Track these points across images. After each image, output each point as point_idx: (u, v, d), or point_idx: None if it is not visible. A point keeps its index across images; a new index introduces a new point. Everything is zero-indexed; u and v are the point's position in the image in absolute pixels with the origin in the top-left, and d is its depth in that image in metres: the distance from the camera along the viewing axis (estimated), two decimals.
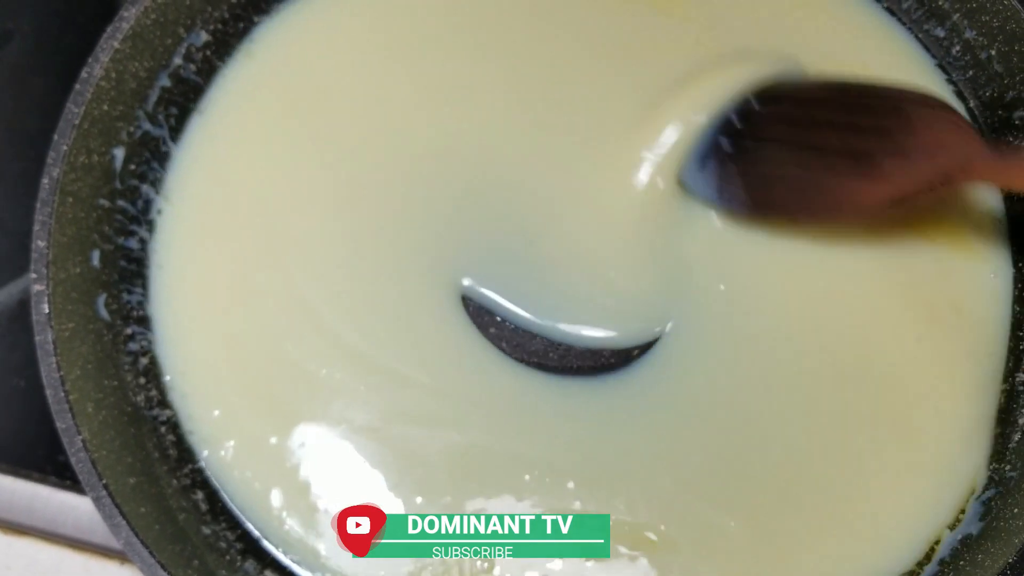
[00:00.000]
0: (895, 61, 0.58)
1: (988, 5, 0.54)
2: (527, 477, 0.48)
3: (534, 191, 0.53)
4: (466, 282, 0.52)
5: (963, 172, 0.44)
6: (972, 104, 0.57)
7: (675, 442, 0.49)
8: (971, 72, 0.57)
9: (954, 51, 0.57)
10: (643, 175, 0.52)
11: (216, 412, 0.50)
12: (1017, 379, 0.52)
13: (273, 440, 0.49)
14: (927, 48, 0.58)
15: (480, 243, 0.52)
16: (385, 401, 0.49)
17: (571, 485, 0.48)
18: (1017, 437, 0.49)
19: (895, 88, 0.49)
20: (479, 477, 0.48)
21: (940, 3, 0.57)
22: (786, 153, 0.49)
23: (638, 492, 0.48)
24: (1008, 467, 0.48)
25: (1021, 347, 0.52)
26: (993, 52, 0.55)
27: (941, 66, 0.58)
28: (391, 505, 0.48)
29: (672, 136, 0.52)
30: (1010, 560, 0.42)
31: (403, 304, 0.51)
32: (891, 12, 0.59)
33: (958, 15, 0.57)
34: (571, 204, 0.53)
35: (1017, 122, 0.54)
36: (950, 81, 0.57)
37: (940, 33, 0.58)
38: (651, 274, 0.52)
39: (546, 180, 0.53)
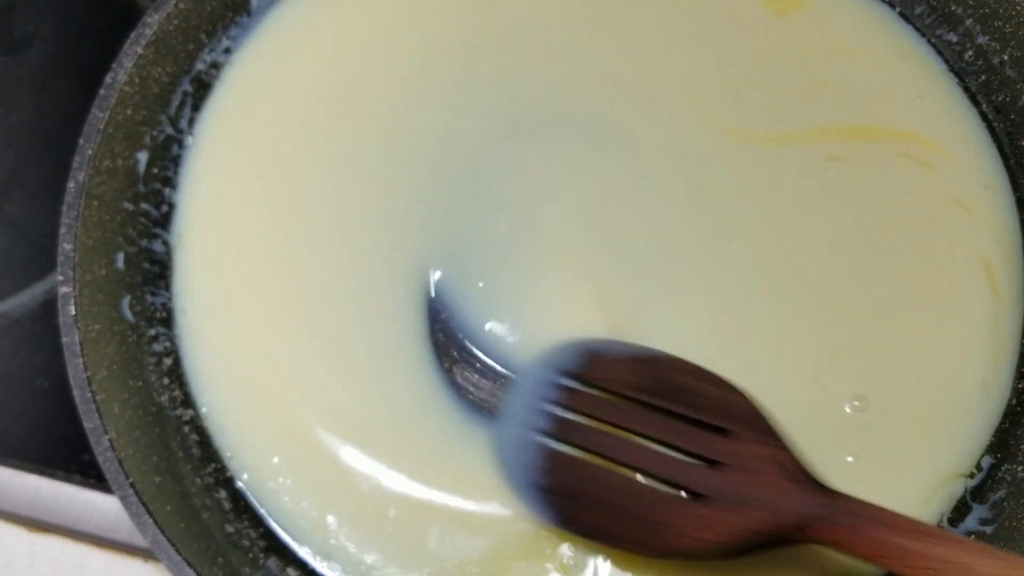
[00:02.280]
0: (907, 65, 0.58)
1: (1001, 10, 0.55)
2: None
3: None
4: (436, 274, 0.52)
5: (800, 532, 0.39)
6: (985, 108, 0.57)
7: None
8: (984, 77, 0.57)
9: (967, 56, 0.58)
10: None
11: (276, 459, 0.50)
12: None
13: (309, 462, 0.50)
14: (940, 52, 0.59)
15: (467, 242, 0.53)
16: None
17: None
18: None
19: (724, 397, 0.43)
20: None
21: (953, 8, 0.57)
22: (601, 471, 0.43)
23: None
24: (1020, 468, 0.49)
25: None
26: (1006, 57, 0.56)
27: (954, 71, 0.58)
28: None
29: None
30: None
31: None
32: (904, 17, 0.59)
33: (971, 20, 0.57)
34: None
35: None
36: (962, 85, 0.58)
37: (953, 38, 0.58)
38: None
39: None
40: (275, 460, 0.50)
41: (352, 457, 0.50)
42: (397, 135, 0.55)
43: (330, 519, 0.49)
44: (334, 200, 0.54)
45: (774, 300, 0.52)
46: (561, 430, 0.44)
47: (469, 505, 0.48)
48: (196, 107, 0.55)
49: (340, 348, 0.51)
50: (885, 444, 0.49)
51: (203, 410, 0.51)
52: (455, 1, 0.58)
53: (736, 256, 0.53)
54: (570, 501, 0.44)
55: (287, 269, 0.53)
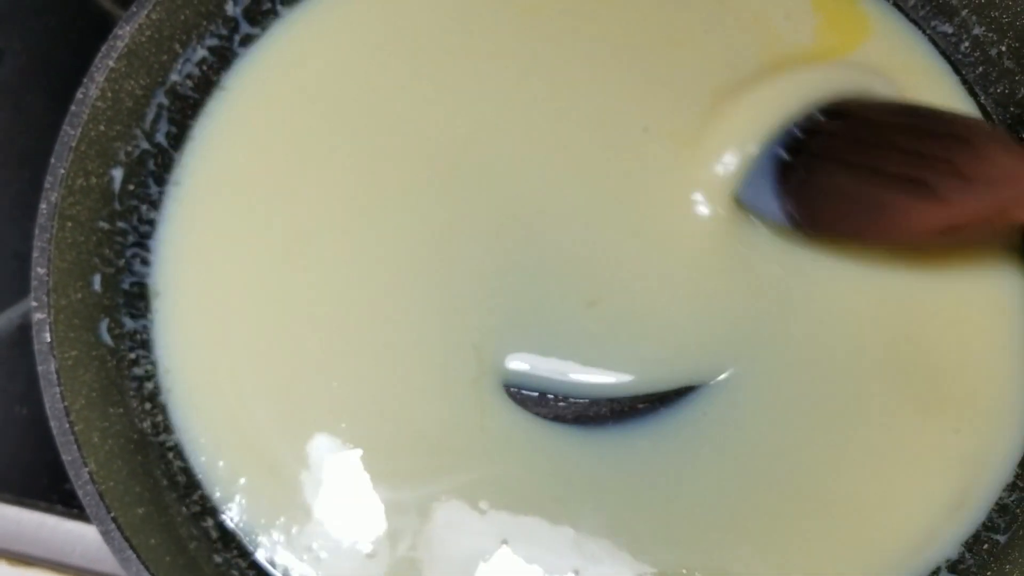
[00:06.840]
0: (905, 58, 0.57)
1: (996, 0, 0.53)
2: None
3: (578, 236, 0.51)
4: (512, 365, 0.49)
5: (1021, 208, 0.43)
6: (983, 100, 0.56)
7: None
8: (981, 68, 0.56)
9: (963, 47, 0.56)
10: (702, 206, 0.51)
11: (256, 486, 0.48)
12: None
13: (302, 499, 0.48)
14: (936, 44, 0.57)
15: (524, 311, 0.50)
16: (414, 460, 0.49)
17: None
18: None
19: (962, 117, 0.49)
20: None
21: None
22: (844, 172, 0.48)
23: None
24: None
25: None
26: (1003, 48, 0.54)
27: (951, 63, 0.57)
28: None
29: (731, 160, 0.50)
30: None
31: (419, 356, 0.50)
32: (899, 8, 0.58)
33: (966, 11, 0.56)
34: (625, 246, 0.51)
35: None
36: (960, 77, 0.56)
37: (948, 30, 0.57)
38: (715, 319, 0.50)
39: (590, 218, 0.51)
40: (256, 487, 0.48)
41: (340, 487, 0.48)
42: (405, 145, 0.53)
43: (315, 545, 0.47)
44: (338, 228, 0.52)
45: None
46: (808, 143, 0.50)
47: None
48: (172, 120, 0.54)
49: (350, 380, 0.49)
50: None
51: (202, 459, 0.49)
52: None
53: None
54: (816, 204, 0.49)
55: (284, 299, 0.51)
